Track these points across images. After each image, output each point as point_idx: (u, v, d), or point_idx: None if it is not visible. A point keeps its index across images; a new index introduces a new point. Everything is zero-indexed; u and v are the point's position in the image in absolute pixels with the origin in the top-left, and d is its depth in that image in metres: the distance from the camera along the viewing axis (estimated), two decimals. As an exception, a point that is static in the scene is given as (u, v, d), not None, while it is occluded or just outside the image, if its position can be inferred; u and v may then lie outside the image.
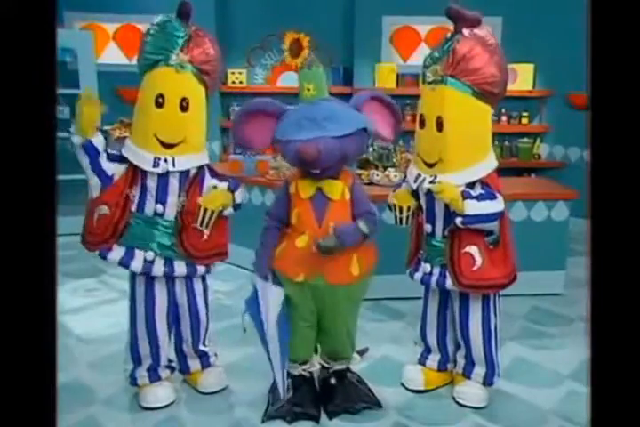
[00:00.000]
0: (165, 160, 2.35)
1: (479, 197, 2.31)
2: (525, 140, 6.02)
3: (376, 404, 2.58)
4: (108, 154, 2.41)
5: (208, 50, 2.36)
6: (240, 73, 6.10)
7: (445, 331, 2.67)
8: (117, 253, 2.44)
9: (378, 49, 6.04)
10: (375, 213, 2.37)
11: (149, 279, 2.51)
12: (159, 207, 2.42)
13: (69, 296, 3.84)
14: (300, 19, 5.97)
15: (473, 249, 2.40)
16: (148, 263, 2.44)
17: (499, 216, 2.37)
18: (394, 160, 4.16)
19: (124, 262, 2.44)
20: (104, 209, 2.39)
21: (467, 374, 2.63)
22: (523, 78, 5.71)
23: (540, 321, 3.56)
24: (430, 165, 2.37)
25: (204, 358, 2.73)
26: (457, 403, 2.62)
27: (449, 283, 2.44)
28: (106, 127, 5.01)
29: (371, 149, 4.03)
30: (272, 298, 2.34)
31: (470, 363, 2.62)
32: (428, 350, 2.74)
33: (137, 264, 2.44)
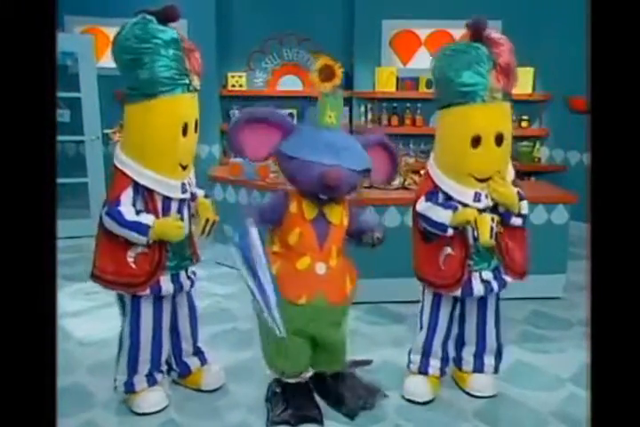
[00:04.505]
0: None
1: (522, 198, 2.44)
2: (525, 143, 6.01)
3: (381, 393, 2.64)
4: None
5: None
6: (240, 76, 6.10)
7: (449, 335, 2.70)
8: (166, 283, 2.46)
9: (378, 53, 6.04)
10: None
11: (158, 296, 2.48)
12: None
13: (69, 300, 3.83)
14: (301, 22, 6.00)
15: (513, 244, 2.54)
16: (181, 282, 2.51)
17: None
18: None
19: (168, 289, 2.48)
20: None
21: (478, 368, 2.73)
22: (522, 82, 5.70)
23: (540, 325, 3.55)
24: (483, 180, 2.38)
25: (201, 355, 2.75)
26: (472, 396, 2.70)
27: (509, 279, 2.56)
28: (106, 131, 5.03)
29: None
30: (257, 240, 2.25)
31: (480, 357, 2.73)
32: (427, 358, 2.69)
33: (171, 285, 2.48)
